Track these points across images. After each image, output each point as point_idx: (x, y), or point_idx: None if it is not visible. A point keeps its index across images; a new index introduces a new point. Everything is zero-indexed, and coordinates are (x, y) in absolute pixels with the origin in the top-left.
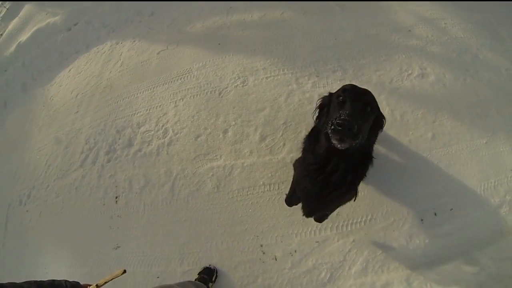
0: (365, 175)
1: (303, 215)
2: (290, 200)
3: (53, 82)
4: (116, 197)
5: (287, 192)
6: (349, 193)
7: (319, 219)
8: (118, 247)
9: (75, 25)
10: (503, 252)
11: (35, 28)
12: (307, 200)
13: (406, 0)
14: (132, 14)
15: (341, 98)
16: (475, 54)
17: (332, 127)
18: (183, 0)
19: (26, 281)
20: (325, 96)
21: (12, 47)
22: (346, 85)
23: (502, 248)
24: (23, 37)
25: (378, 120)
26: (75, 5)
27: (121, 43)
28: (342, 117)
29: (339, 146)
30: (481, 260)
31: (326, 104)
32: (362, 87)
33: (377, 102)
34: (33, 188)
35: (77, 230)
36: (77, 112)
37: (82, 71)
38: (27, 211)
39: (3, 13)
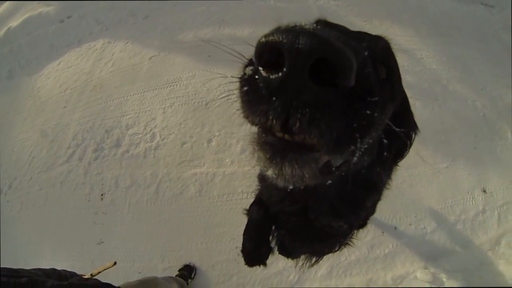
0: (366, 224)
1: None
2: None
3: (41, 73)
4: (102, 194)
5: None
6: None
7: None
8: (102, 242)
9: (68, 18)
10: (455, 265)
11: (26, 15)
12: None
13: None
14: (126, 14)
15: None
16: (445, 85)
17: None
18: None
19: (33, 268)
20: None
21: (1, 32)
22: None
23: (454, 262)
24: (14, 23)
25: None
26: None
27: (114, 43)
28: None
29: (291, 181)
30: (435, 271)
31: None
32: None
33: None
34: (15, 179)
35: (60, 223)
36: (65, 107)
37: (72, 66)
38: (7, 201)
39: None
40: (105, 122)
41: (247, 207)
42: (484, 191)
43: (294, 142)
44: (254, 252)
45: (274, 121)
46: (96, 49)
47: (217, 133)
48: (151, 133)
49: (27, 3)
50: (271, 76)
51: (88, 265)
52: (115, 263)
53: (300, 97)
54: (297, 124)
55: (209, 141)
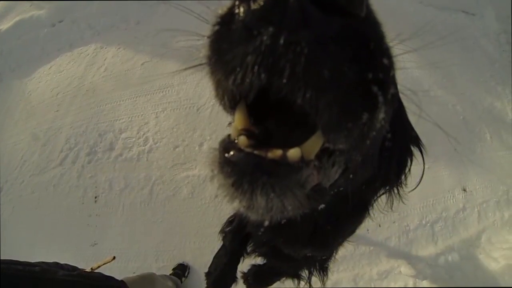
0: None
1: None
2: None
3: (32, 77)
4: (96, 197)
5: None
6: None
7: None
8: (96, 244)
9: (60, 22)
10: (438, 259)
11: (17, 18)
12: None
13: None
14: (118, 20)
15: None
16: (427, 90)
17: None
18: None
19: (36, 262)
20: None
21: None
22: None
23: (436, 256)
24: (4, 26)
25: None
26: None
27: (106, 48)
28: None
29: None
30: (418, 265)
31: None
32: None
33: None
34: (6, 182)
35: (53, 226)
36: (57, 111)
37: (63, 70)
38: None
39: None
40: (98, 126)
41: (224, 228)
42: (464, 190)
43: (268, 159)
44: (220, 279)
45: (256, 70)
46: (88, 54)
47: (208, 137)
48: (144, 137)
49: (19, 6)
50: (252, 5)
51: (82, 266)
52: (114, 257)
53: (294, 29)
54: (287, 71)
55: (201, 144)
